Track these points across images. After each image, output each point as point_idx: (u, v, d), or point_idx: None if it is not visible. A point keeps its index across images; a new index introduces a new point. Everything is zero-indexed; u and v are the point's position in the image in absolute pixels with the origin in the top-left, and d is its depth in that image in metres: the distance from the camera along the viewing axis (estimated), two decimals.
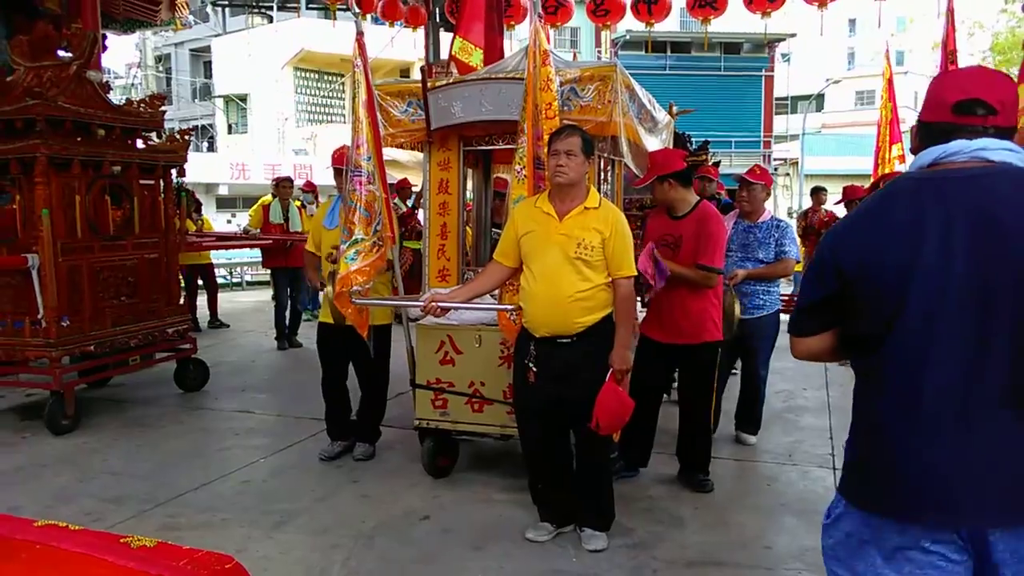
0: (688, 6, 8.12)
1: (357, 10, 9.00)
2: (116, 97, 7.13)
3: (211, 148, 30.51)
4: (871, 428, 1.70)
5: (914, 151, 1.81)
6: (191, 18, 23.53)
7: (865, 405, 1.72)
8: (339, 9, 10.17)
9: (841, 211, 7.98)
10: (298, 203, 8.75)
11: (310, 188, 10.20)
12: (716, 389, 4.22)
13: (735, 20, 9.98)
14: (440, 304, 3.47)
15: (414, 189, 9.66)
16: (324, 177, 18.28)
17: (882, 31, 19.29)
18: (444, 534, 3.56)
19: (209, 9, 30.85)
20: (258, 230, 8.50)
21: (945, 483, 1.56)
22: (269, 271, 8.97)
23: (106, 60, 9.48)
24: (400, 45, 13.66)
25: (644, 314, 4.16)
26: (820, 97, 35.81)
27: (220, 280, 12.03)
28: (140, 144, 5.93)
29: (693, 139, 7.60)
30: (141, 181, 5.81)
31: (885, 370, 1.65)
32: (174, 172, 6.16)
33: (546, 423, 3.39)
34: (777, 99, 21.58)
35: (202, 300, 9.79)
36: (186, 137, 6.29)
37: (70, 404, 5.18)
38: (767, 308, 4.68)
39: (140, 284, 5.79)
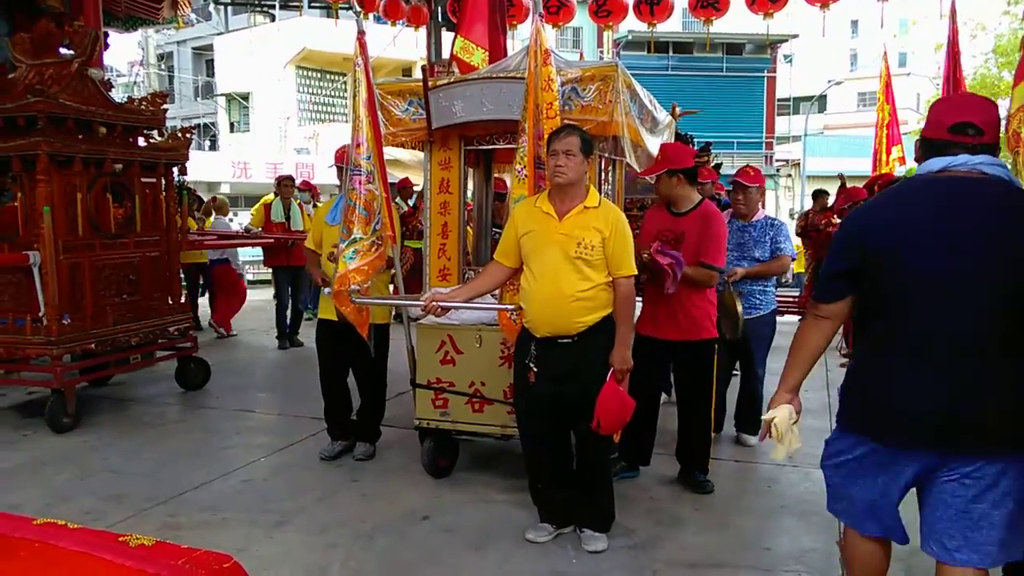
0: (690, 7, 8.12)
1: (359, 9, 8.99)
2: (118, 95, 7.13)
3: (213, 147, 30.53)
4: (872, 369, 2.17)
5: (918, 160, 2.26)
6: (193, 16, 23.55)
7: (868, 351, 2.21)
8: (341, 8, 10.17)
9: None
10: (297, 201, 8.75)
11: (307, 187, 10.20)
12: (716, 389, 4.22)
13: (737, 21, 9.99)
14: (440, 303, 3.47)
15: (415, 188, 9.66)
16: (326, 176, 18.36)
17: (885, 32, 19.28)
18: (444, 534, 3.56)
19: (212, 7, 30.83)
20: (260, 229, 8.51)
21: (931, 413, 2.03)
22: (271, 270, 8.97)
23: (108, 58, 9.48)
24: (402, 44, 13.67)
25: (639, 312, 4.16)
26: (822, 98, 35.79)
27: None
28: (142, 142, 5.93)
29: (695, 140, 7.60)
30: (143, 179, 5.81)
31: (889, 327, 2.11)
32: (176, 170, 6.17)
33: (547, 422, 3.39)
34: (779, 100, 21.58)
35: (203, 299, 9.80)
36: (188, 135, 6.28)
37: (71, 402, 5.18)
38: (763, 308, 4.69)
39: (141, 282, 5.79)
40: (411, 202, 9.45)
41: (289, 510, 3.82)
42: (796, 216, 17.87)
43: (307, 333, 8.13)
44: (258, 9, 29.99)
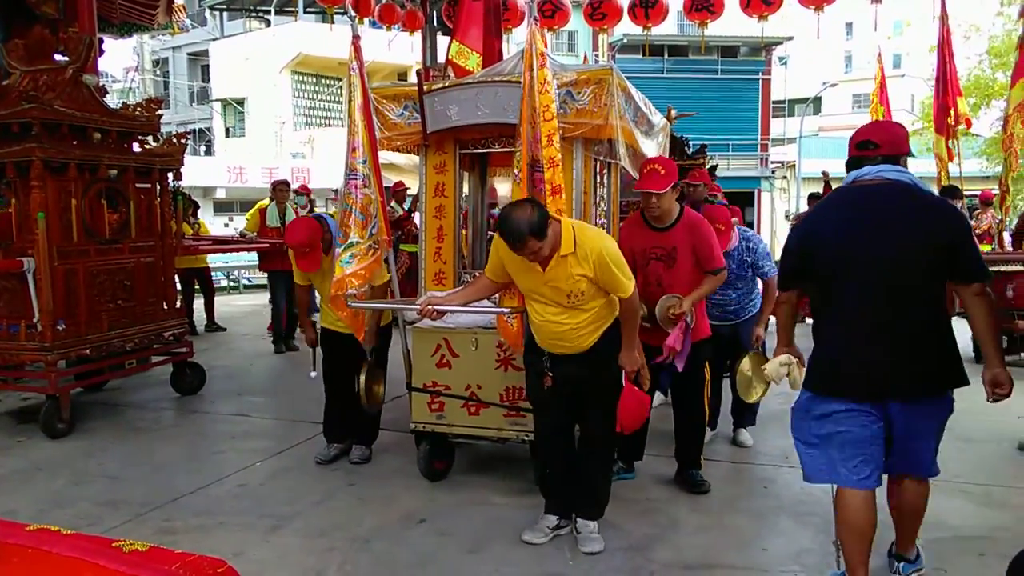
0: (685, 9, 8.13)
1: (354, 14, 8.98)
2: (113, 101, 7.13)
3: (208, 152, 30.50)
4: (826, 343, 2.77)
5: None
6: (188, 22, 23.52)
7: (822, 330, 2.82)
8: (336, 13, 10.17)
9: None
10: (293, 206, 8.75)
11: (304, 191, 10.21)
12: (711, 387, 4.31)
13: (732, 23, 9.99)
14: (436, 307, 3.50)
15: (410, 193, 9.66)
16: (321, 180, 18.34)
17: (879, 34, 19.34)
18: (440, 537, 3.55)
19: (207, 13, 30.92)
20: (255, 233, 8.51)
21: (868, 372, 2.64)
22: (266, 274, 8.97)
23: (103, 64, 9.48)
24: (397, 49, 13.64)
25: None
26: (817, 100, 35.89)
27: (217, 283, 12.02)
28: (136, 148, 5.93)
29: (690, 142, 7.62)
30: (137, 185, 5.81)
31: (832, 309, 2.75)
32: (171, 176, 6.16)
33: (563, 416, 3.52)
34: (774, 102, 21.54)
35: (199, 303, 9.79)
36: (183, 141, 6.28)
37: (66, 408, 5.17)
38: (751, 310, 4.75)
39: (136, 288, 5.79)
40: (406, 206, 9.45)
41: (285, 514, 3.81)
42: (791, 217, 17.94)
43: (302, 337, 8.12)
44: (253, 15, 30.04)
